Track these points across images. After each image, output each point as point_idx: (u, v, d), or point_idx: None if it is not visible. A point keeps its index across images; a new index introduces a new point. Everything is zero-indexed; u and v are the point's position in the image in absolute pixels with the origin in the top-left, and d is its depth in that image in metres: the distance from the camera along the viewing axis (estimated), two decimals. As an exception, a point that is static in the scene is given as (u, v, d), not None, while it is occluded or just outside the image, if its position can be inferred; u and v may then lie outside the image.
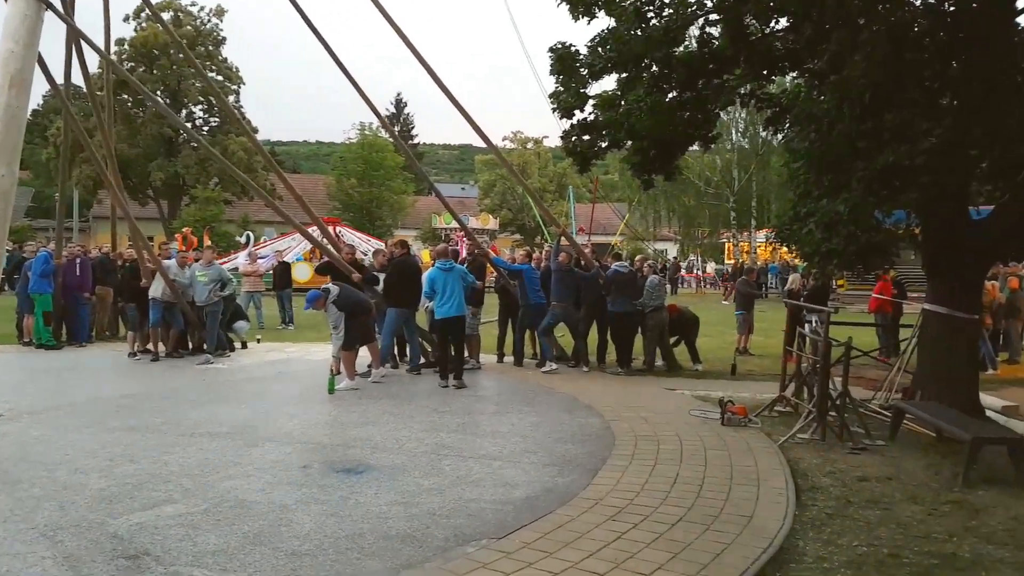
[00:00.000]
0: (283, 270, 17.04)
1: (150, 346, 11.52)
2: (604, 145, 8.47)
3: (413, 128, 69.77)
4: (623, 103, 8.16)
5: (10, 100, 7.30)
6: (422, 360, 10.46)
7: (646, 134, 8.01)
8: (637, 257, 11.64)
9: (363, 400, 8.27)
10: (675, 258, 38.03)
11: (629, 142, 8.33)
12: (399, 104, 69.27)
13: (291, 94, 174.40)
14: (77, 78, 11.89)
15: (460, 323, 9.20)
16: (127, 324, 12.41)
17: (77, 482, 5.19)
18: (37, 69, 8.17)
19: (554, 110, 8.23)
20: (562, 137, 8.60)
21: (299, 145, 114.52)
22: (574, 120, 8.28)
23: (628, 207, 40.69)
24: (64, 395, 8.37)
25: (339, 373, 9.50)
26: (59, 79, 11.73)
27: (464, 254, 11.00)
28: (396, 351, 10.87)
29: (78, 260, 12.68)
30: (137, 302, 11.48)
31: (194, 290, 11.24)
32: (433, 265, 9.39)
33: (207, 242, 23.63)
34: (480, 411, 7.90)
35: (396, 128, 64.72)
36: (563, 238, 10.97)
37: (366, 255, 19.61)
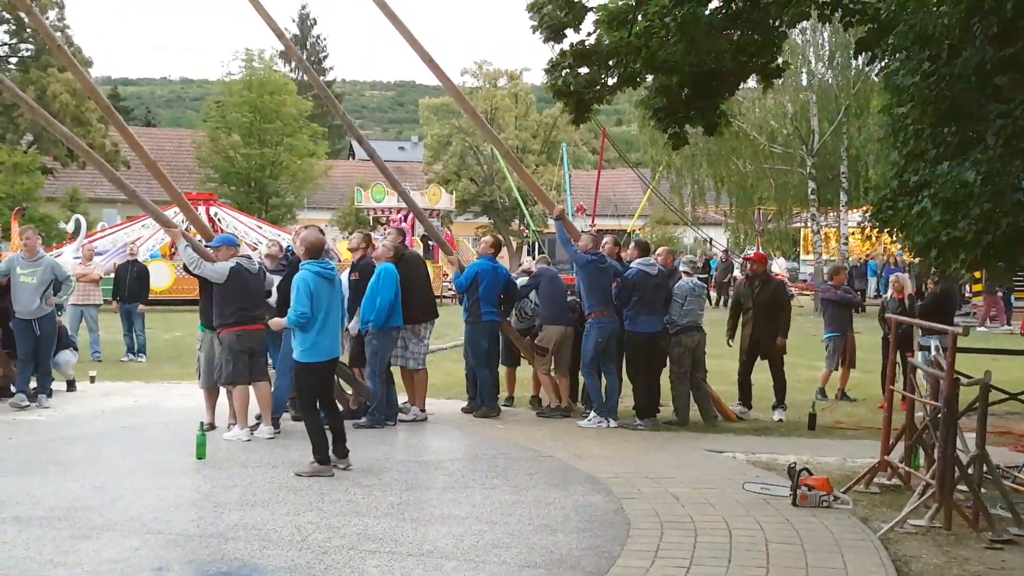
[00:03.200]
0: (132, 273, 16.88)
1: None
2: (611, 82, 8.55)
3: (326, 58, 69.80)
4: (640, 17, 8.23)
5: None
6: (339, 408, 10.46)
7: (675, 64, 8.09)
8: (660, 250, 11.74)
9: (249, 469, 8.24)
10: (724, 250, 38.36)
11: (649, 77, 8.42)
12: (305, 21, 69.21)
13: (140, 7, 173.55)
14: None
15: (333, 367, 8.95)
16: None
17: None
18: None
19: (535, 29, 8.25)
20: (547, 70, 8.63)
21: (155, 84, 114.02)
22: (565, 44, 8.31)
23: (652, 175, 41.01)
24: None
25: (212, 428, 9.52)
26: None
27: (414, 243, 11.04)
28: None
29: None
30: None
31: (14, 296, 11.14)
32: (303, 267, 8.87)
33: (16, 228, 23.38)
34: (426, 484, 7.92)
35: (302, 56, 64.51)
36: (560, 219, 11.04)
37: (255, 248, 19.62)
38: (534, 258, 20.41)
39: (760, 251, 20.15)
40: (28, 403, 11.12)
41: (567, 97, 8.58)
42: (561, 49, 8.23)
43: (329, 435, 8.23)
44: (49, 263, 11.52)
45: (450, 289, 32.38)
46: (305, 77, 61.73)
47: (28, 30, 39.97)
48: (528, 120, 50.58)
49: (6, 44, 41.12)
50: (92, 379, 13.13)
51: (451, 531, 6.46)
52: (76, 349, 13.12)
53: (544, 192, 12.78)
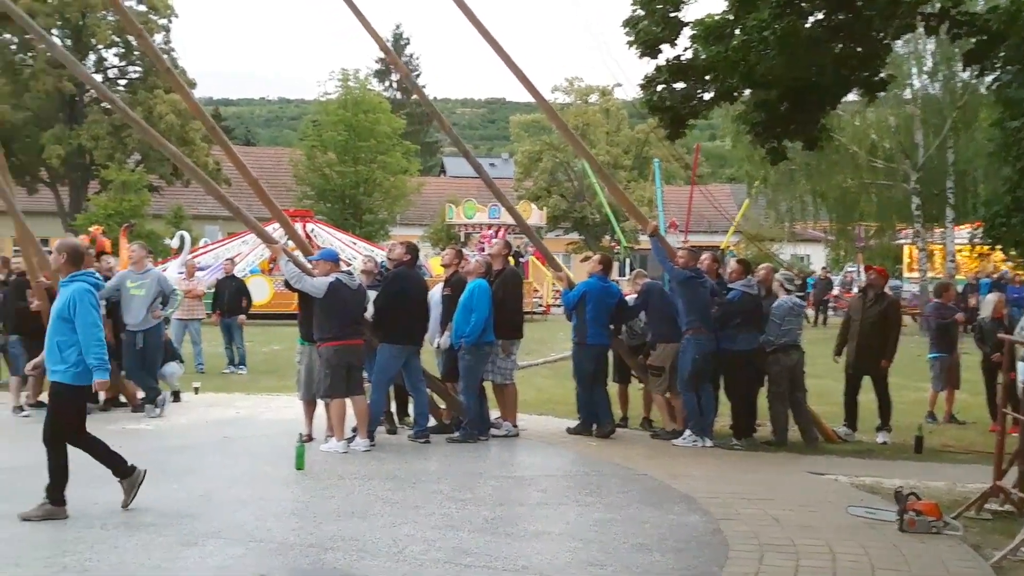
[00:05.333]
0: (231, 288, 17.35)
1: (45, 397, 11.83)
2: (708, 97, 8.51)
3: (419, 76, 70.66)
4: (738, 32, 8.18)
5: None
6: (432, 422, 10.58)
7: (774, 78, 8.01)
8: (763, 267, 11.56)
9: (346, 480, 8.39)
10: (823, 268, 37.59)
11: (747, 91, 8.35)
12: (398, 41, 70.25)
13: (241, 32, 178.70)
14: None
15: None
16: (10, 366, 12.78)
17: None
18: None
19: (631, 44, 8.27)
20: (643, 85, 8.64)
21: (255, 105, 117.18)
22: (661, 60, 8.31)
23: (748, 191, 40.47)
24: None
25: (310, 439, 9.72)
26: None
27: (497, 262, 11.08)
28: (395, 408, 11.01)
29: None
30: (25, 333, 11.81)
31: (125, 309, 11.55)
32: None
33: (124, 244, 24.23)
34: (519, 500, 7.95)
35: (395, 77, 65.60)
36: (655, 236, 10.99)
37: (349, 264, 19.96)
38: (624, 275, 20.33)
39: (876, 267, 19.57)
40: (157, 411, 11.55)
41: (662, 112, 8.56)
42: (657, 64, 8.24)
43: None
44: (156, 276, 11.94)
45: (540, 305, 32.52)
46: (399, 95, 63.00)
47: (136, 53, 41.54)
48: (619, 136, 50.53)
49: (116, 67, 42.77)
50: (196, 390, 13.51)
51: (545, 547, 6.47)
52: (181, 361, 13.53)
53: (637, 208, 12.73)
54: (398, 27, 72.37)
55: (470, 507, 7.53)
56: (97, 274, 7.78)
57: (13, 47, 39.11)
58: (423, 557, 6.19)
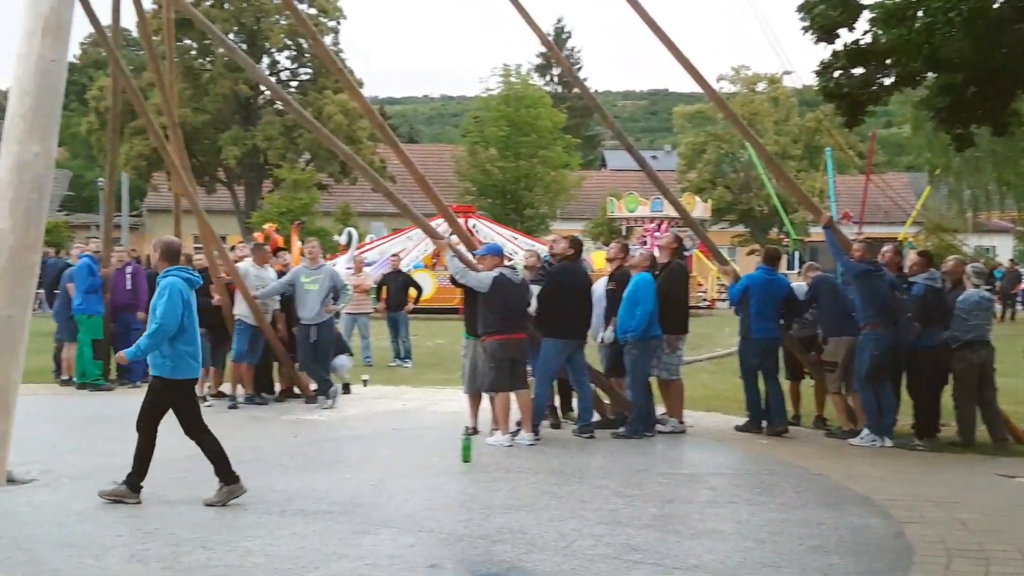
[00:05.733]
0: (398, 283, 17.79)
1: (226, 387, 12.49)
2: (888, 82, 8.18)
3: (580, 70, 70.60)
4: (921, 13, 7.84)
5: (43, 52, 8.15)
6: (596, 417, 10.58)
7: (960, 62, 7.64)
8: (951, 259, 10.97)
9: (512, 474, 8.49)
10: (1011, 261, 35.59)
11: (931, 75, 7.99)
12: (559, 35, 70.46)
13: (405, 31, 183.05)
14: (124, 18, 13.20)
15: None
16: (192, 358, 13.53)
17: (133, 573, 5.72)
18: (77, 7, 9.06)
19: (806, 30, 8.05)
20: (819, 72, 8.39)
21: (418, 102, 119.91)
22: (838, 45, 8.05)
23: (929, 179, 38.64)
24: (114, 454, 9.16)
25: (475, 432, 9.87)
26: (103, 19, 12.99)
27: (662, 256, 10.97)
28: (559, 403, 11.05)
29: (129, 269, 13.99)
30: (208, 326, 12.43)
31: (300, 303, 12.06)
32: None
33: (295, 241, 25.22)
34: (688, 498, 7.87)
35: (556, 71, 65.88)
36: (829, 228, 10.66)
37: (510, 259, 20.12)
38: (793, 268, 19.76)
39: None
40: (330, 403, 11.99)
41: (839, 99, 8.28)
42: (834, 50, 7.97)
43: None
44: (329, 271, 12.38)
45: (704, 300, 32.04)
46: (560, 89, 63.23)
47: (307, 55, 43.19)
48: (789, 125, 49.19)
49: (288, 69, 44.56)
50: (365, 383, 13.95)
51: (717, 547, 6.36)
52: (351, 354, 13.99)
53: (810, 199, 12.37)
54: (559, 21, 72.48)
55: (637, 503, 7.48)
56: (191, 270, 7.92)
57: (193, 52, 41.25)
58: (591, 552, 6.19)
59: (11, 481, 7.88)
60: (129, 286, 13.86)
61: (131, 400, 12.51)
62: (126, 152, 38.25)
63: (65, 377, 13.86)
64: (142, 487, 7.42)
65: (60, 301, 14.21)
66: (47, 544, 6.30)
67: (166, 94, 13.27)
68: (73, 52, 47.50)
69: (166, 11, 13.76)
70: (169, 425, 10.05)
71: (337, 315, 13.19)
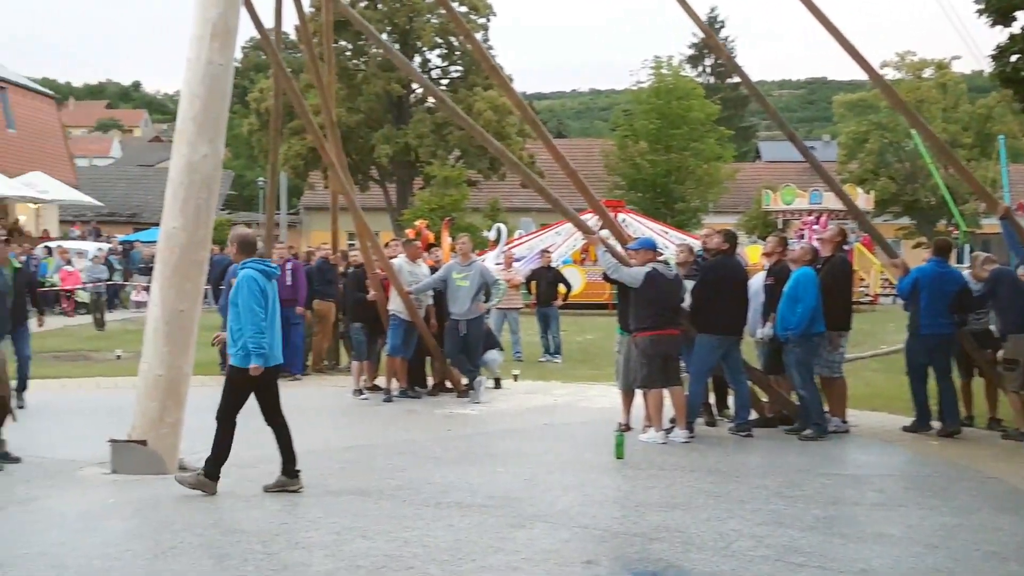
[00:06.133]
0: (548, 278, 17.87)
1: (380, 381, 12.82)
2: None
3: (735, 58, 69.19)
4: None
5: (211, 56, 8.55)
6: (754, 415, 10.37)
7: None
8: None
9: (667, 472, 8.43)
10: None
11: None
12: (713, 24, 69.23)
13: (552, 26, 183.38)
14: (284, 21, 13.60)
15: None
16: (350, 351, 13.94)
17: (298, 560, 5.94)
18: (243, 12, 9.44)
19: (981, 12, 7.67)
20: (994, 56, 7.98)
21: (566, 97, 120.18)
22: (1015, 28, 7.63)
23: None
24: (276, 444, 9.61)
25: (628, 429, 9.82)
26: (265, 23, 13.51)
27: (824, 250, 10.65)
28: (714, 400, 10.88)
29: (289, 266, 14.50)
30: (364, 321, 12.82)
31: (451, 299, 12.30)
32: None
33: (446, 237, 25.69)
34: (853, 499, 7.65)
35: (709, 62, 64.86)
36: (1006, 219, 10.16)
37: (661, 253, 19.92)
38: (962, 261, 18.74)
39: None
40: (476, 393, 12.18)
41: (1016, 84, 7.84)
42: (1011, 33, 7.55)
43: None
44: (479, 268, 12.51)
45: (866, 295, 30.91)
46: (712, 80, 62.25)
47: (457, 53, 43.82)
48: (958, 112, 47.02)
49: (438, 67, 45.31)
50: (515, 377, 14.07)
51: (886, 551, 6.15)
52: (501, 349, 14.14)
53: (985, 189, 11.80)
54: (713, 10, 71.20)
55: (799, 504, 7.31)
56: (269, 262, 8.02)
57: (347, 53, 42.43)
58: (752, 554, 6.09)
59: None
60: (289, 282, 14.34)
61: (292, 392, 12.96)
62: (285, 152, 39.63)
63: (230, 369, 14.47)
64: (219, 477, 7.57)
65: (225, 296, 14.84)
66: (216, 530, 6.61)
67: (325, 94, 13.72)
68: (235, 56, 49.34)
69: (325, 14, 14.23)
70: (308, 416, 10.40)
71: (487, 311, 13.33)
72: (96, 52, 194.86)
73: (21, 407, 10.82)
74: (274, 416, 7.75)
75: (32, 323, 11.79)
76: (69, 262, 27.80)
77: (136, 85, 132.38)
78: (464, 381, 12.52)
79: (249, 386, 7.60)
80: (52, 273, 27.09)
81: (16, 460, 8.34)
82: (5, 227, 32.65)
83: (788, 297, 9.85)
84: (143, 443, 8.11)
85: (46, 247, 29.95)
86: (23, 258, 25.93)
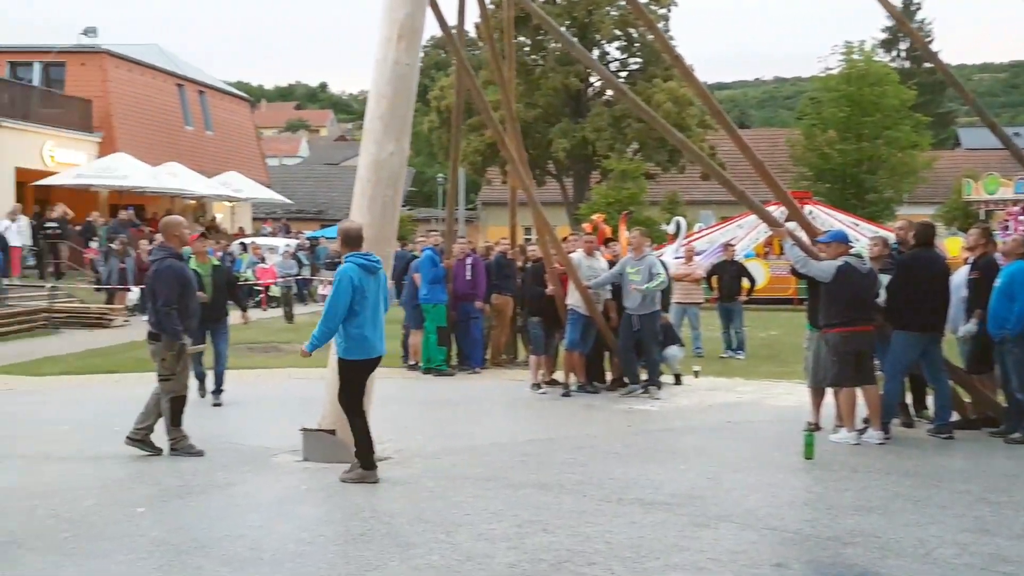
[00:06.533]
0: (732, 272, 17.52)
1: (559, 375, 12.90)
2: None
3: (931, 43, 65.89)
4: None
5: (398, 56, 8.79)
6: (955, 417, 9.87)
7: None
8: None
9: (860, 473, 8.15)
10: None
11: None
12: (907, 7, 66.19)
13: (730, 11, 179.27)
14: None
15: None
16: (527, 345, 14.08)
17: (481, 552, 6.04)
18: (428, 12, 9.65)
19: None
20: None
21: (748, 86, 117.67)
22: None
23: None
24: (459, 436, 9.85)
25: (818, 428, 9.51)
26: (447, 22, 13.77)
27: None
28: (911, 400, 10.42)
29: (469, 260, 14.78)
30: (542, 315, 12.92)
31: (625, 292, 12.26)
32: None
33: (623, 231, 25.61)
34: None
35: (904, 46, 62.07)
36: None
37: (852, 246, 19.18)
38: None
39: None
40: (641, 393, 12.09)
41: None
42: None
43: None
44: (650, 261, 12.31)
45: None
46: (907, 65, 59.58)
47: (637, 45, 43.62)
48: None
49: (617, 60, 45.19)
50: (696, 374, 13.87)
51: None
52: (682, 345, 13.95)
53: None
54: (908, -8, 68.22)
55: (1007, 511, 6.92)
56: (371, 255, 8.00)
57: (526, 49, 42.87)
58: (955, 562, 5.80)
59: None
60: (469, 276, 14.63)
61: (472, 385, 13.37)
62: (464, 148, 40.36)
63: (412, 362, 14.90)
64: (376, 463, 7.82)
65: (407, 291, 15.29)
66: (403, 518, 6.79)
67: (506, 90, 13.89)
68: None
69: (506, 10, 14.42)
70: (488, 409, 10.59)
71: (666, 307, 13.18)
72: (286, 55, 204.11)
73: (218, 405, 11.44)
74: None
75: (235, 317, 12.26)
76: (263, 259, 29.26)
77: (323, 86, 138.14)
78: (626, 379, 12.46)
79: (360, 374, 7.87)
80: (246, 268, 28.57)
81: (200, 453, 8.65)
82: (204, 225, 34.70)
83: (1001, 293, 9.25)
84: (332, 432, 8.41)
85: (241, 244, 31.64)
86: (220, 254, 27.55)
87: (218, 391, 11.57)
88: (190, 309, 8.69)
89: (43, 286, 23.88)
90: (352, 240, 7.97)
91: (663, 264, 12.90)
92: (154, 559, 5.82)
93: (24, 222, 26.40)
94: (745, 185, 11.74)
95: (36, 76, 34.56)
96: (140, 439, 8.54)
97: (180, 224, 8.90)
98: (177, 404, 8.61)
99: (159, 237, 10.47)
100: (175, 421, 8.59)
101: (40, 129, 30.88)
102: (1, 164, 29.05)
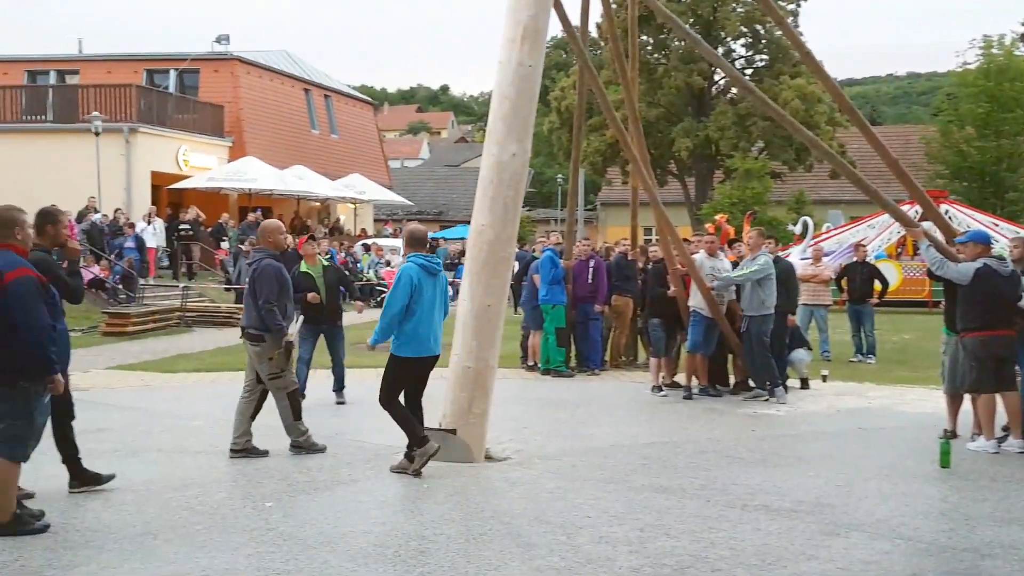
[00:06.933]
0: (863, 274, 17.03)
1: (680, 378, 12.77)
2: None
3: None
4: None
5: (522, 58, 8.82)
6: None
7: None
8: None
9: (999, 483, 7.88)
10: None
11: None
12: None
13: (861, 5, 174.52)
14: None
15: None
16: (647, 347, 13.98)
17: (603, 555, 6.02)
18: (551, 13, 9.66)
19: None
20: None
21: (880, 82, 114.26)
22: None
23: None
24: (578, 438, 9.84)
25: (954, 436, 9.18)
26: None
27: None
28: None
29: (592, 263, 14.74)
30: (663, 317, 12.81)
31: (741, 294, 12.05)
32: None
33: (747, 230, 25.22)
34: None
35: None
36: None
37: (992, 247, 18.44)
38: None
39: None
40: (768, 397, 11.89)
41: None
42: None
43: None
44: (759, 261, 12.01)
45: None
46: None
47: (763, 42, 42.91)
48: None
49: (743, 57, 44.54)
50: (824, 378, 13.56)
51: None
52: (809, 348, 13.65)
53: None
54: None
55: None
56: (431, 258, 8.29)
57: (648, 48, 42.62)
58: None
59: (488, 458, 8.65)
60: (591, 279, 14.57)
61: (592, 386, 13.36)
62: (584, 148, 40.38)
63: (531, 363, 14.95)
64: (426, 437, 8.03)
65: (526, 292, 15.37)
66: (523, 519, 6.82)
67: (629, 90, 13.83)
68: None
69: (631, 9, 14.36)
70: (608, 411, 10.56)
71: (793, 309, 12.90)
72: (408, 58, 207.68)
73: (341, 403, 11.64)
74: (416, 403, 8.30)
75: (350, 316, 12.49)
76: (388, 263, 29.83)
77: (444, 88, 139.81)
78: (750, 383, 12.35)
79: (407, 371, 8.15)
80: (368, 268, 29.19)
81: (322, 449, 8.80)
82: (327, 226, 35.60)
83: None
84: (453, 432, 8.50)
85: (364, 245, 32.31)
86: (342, 255, 28.21)
87: (339, 389, 11.74)
88: (286, 311, 8.79)
89: (176, 286, 24.87)
90: (416, 241, 8.40)
91: (786, 264, 12.65)
92: (282, 552, 5.98)
93: (159, 224, 27.57)
94: (877, 184, 11.45)
95: (171, 83, 35.99)
96: (241, 448, 8.66)
97: (277, 229, 9.04)
98: (294, 398, 8.74)
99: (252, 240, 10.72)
100: (296, 415, 8.72)
101: (175, 134, 32.20)
102: (138, 168, 30.36)
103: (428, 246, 8.77)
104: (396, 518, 6.85)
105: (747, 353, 12.05)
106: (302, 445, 8.76)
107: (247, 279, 8.94)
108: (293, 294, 9.28)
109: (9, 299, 6.07)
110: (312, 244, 11.77)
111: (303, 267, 11.35)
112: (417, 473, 7.90)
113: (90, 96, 30.89)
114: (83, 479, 7.33)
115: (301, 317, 10.11)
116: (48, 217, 7.17)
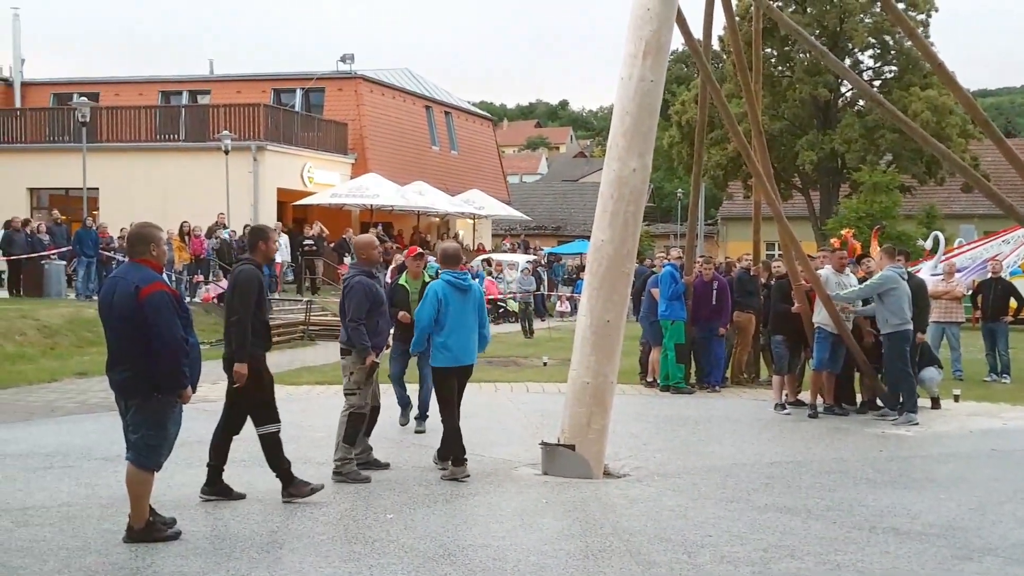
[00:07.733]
0: (997, 291, 16.45)
1: (805, 396, 12.53)
2: None
3: None
4: None
5: (644, 73, 8.84)
6: None
7: None
8: None
9: None
10: None
11: None
12: None
13: (997, 12, 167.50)
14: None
15: None
16: (769, 364, 13.75)
17: (725, 575, 5.98)
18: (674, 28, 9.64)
19: None
20: None
21: (1015, 92, 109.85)
22: None
23: None
24: (698, 455, 9.76)
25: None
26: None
27: None
28: None
29: (715, 285, 14.55)
30: (786, 333, 12.60)
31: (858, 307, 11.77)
32: None
33: (875, 246, 24.56)
34: None
35: None
36: None
37: None
38: None
39: None
40: (896, 418, 11.58)
41: None
42: None
43: None
44: (883, 275, 11.68)
45: None
46: None
47: (892, 53, 41.83)
48: None
49: (870, 68, 43.48)
50: (956, 398, 13.13)
51: None
52: (940, 367, 13.22)
53: None
54: None
55: None
56: (460, 274, 8.64)
57: (772, 60, 41.99)
58: None
59: (607, 474, 8.65)
60: (715, 301, 14.32)
61: (712, 404, 13.21)
62: (705, 162, 40.00)
63: (650, 379, 14.87)
64: (466, 459, 8.48)
65: (645, 306, 15.28)
66: (643, 537, 6.80)
67: (753, 103, 13.68)
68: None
69: (755, 21, 14.21)
70: (729, 428, 10.43)
71: (923, 327, 12.53)
72: (527, 74, 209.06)
73: (420, 431, 10.62)
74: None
75: None
76: (501, 273, 30.12)
77: (563, 104, 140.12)
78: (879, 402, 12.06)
79: (446, 379, 8.57)
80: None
81: (366, 480, 8.41)
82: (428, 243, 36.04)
83: None
84: (571, 447, 8.54)
85: (483, 260, 32.66)
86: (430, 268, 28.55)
87: (422, 417, 10.80)
88: (379, 327, 8.84)
89: (300, 300, 25.55)
90: (449, 259, 8.82)
91: (918, 281, 12.31)
92: (403, 564, 6.09)
93: (284, 239, 28.40)
94: (1012, 198, 11.07)
95: (297, 102, 37.09)
96: (365, 461, 8.78)
97: (370, 244, 9.10)
98: (354, 421, 8.57)
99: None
100: (348, 439, 8.52)
101: (300, 152, 33.16)
102: (265, 185, 31.36)
103: (461, 263, 9.13)
104: (515, 533, 6.90)
105: (886, 372, 11.82)
106: (340, 471, 8.44)
107: (341, 295, 9.07)
108: (388, 308, 9.43)
109: (145, 313, 6.34)
110: (418, 261, 11.39)
111: (401, 279, 11.09)
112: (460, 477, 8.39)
113: (220, 115, 32.11)
114: (216, 488, 7.62)
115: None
116: (260, 234, 7.76)
